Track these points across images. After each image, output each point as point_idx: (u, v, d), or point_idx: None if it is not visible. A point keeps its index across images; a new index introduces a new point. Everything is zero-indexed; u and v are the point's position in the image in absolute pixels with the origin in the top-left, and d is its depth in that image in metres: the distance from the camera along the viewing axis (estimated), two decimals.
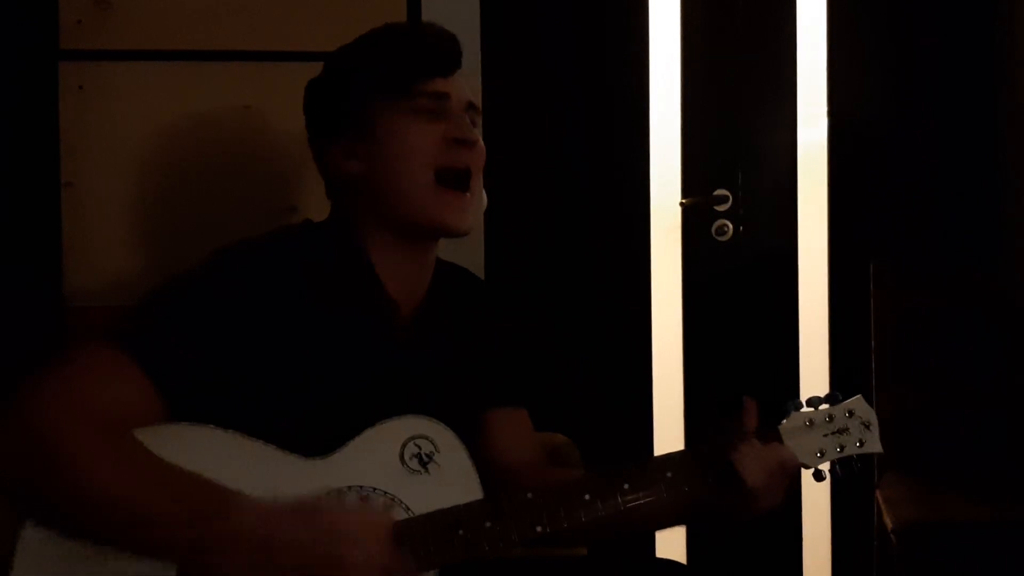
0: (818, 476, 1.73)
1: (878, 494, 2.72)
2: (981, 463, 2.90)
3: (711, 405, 2.95)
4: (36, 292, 2.40)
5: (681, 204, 2.97)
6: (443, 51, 1.76)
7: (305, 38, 2.43)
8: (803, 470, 1.72)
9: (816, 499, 3.04)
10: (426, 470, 1.61)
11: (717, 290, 2.99)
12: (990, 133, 3.01)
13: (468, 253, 2.45)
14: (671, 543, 2.95)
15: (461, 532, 1.57)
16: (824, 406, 1.73)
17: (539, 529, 1.60)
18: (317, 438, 1.59)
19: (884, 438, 2.74)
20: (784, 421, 1.71)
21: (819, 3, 2.99)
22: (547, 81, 2.90)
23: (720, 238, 2.97)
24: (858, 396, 1.75)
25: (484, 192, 2.65)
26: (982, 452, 2.92)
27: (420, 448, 1.61)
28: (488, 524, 1.58)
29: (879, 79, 3.02)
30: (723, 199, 2.96)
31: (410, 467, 1.61)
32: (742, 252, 2.98)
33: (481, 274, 2.60)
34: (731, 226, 2.97)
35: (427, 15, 2.52)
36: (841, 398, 1.74)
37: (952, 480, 2.75)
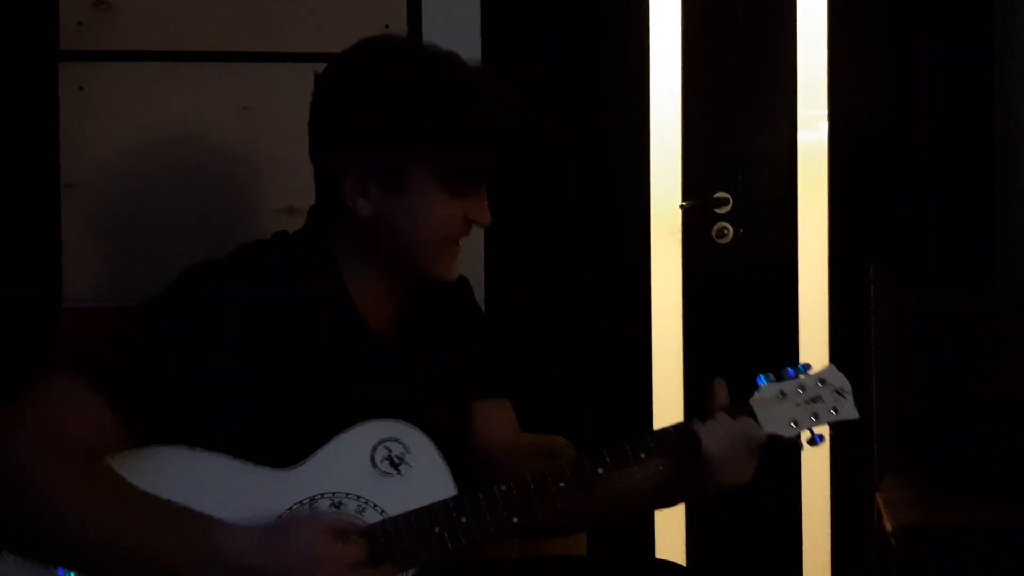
0: (795, 446, 1.73)
1: (878, 497, 2.71)
2: (980, 466, 2.90)
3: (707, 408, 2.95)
4: (36, 292, 2.41)
5: (681, 206, 2.97)
6: (509, 141, 1.68)
7: (305, 39, 2.44)
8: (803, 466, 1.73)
9: (816, 501, 3.03)
10: (398, 471, 1.61)
11: (717, 293, 2.99)
12: (989, 135, 3.01)
13: (468, 255, 2.44)
14: (671, 544, 2.95)
15: (438, 530, 1.58)
16: (798, 377, 1.75)
17: (516, 520, 1.61)
18: (288, 449, 1.59)
19: (884, 441, 2.76)
20: (755, 394, 1.72)
21: (819, 5, 2.98)
22: (547, 82, 2.90)
23: (720, 241, 2.97)
24: (830, 365, 1.77)
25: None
26: (981, 455, 2.92)
27: (390, 450, 1.61)
28: (464, 520, 1.59)
29: (879, 81, 3.02)
30: (723, 201, 2.96)
31: (381, 470, 1.61)
32: (742, 255, 2.98)
33: (480, 276, 2.61)
34: (731, 229, 2.97)
35: (427, 15, 2.52)
36: (811, 368, 1.76)
37: (952, 483, 2.75)
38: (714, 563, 2.94)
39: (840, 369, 1.79)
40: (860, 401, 1.77)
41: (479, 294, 1.95)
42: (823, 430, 1.74)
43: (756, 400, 1.72)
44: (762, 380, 1.74)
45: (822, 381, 1.75)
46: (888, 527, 2.56)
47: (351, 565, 1.51)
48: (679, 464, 1.68)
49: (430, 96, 1.63)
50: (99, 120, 2.42)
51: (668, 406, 3.00)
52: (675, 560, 2.09)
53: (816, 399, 1.73)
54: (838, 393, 1.74)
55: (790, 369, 1.76)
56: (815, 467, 2.99)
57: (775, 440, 1.71)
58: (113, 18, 2.42)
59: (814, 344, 3.02)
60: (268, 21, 2.46)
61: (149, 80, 2.44)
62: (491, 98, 1.66)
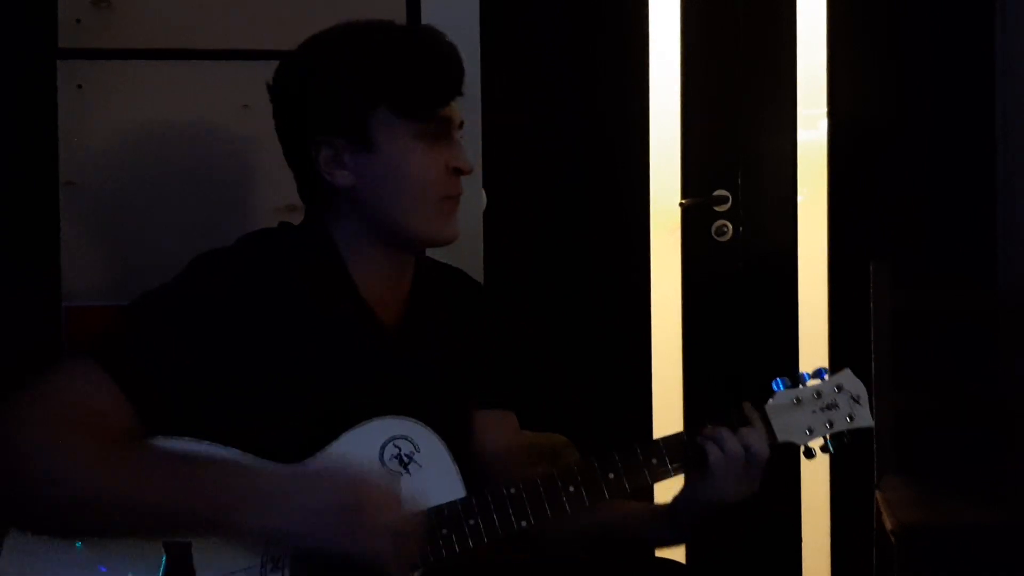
0: (808, 454, 1.72)
1: (878, 495, 2.71)
2: (980, 465, 2.89)
3: (710, 406, 2.95)
4: (35, 291, 2.40)
5: (681, 205, 2.97)
6: (458, 75, 1.70)
7: (305, 37, 2.42)
8: (804, 458, 1.72)
9: (816, 500, 3.03)
10: (407, 470, 1.59)
11: (717, 291, 2.99)
12: (990, 133, 3.00)
13: (467, 253, 2.45)
14: None
15: (445, 531, 1.57)
16: (812, 382, 1.72)
17: (524, 524, 1.59)
18: (296, 444, 1.58)
19: (884, 440, 2.76)
20: (770, 400, 1.70)
21: (819, 4, 2.98)
22: (547, 81, 2.90)
23: (720, 239, 2.97)
24: (846, 370, 1.73)
25: (483, 192, 2.65)
26: (981, 454, 2.92)
27: (400, 449, 1.60)
28: (472, 522, 1.58)
29: (879, 80, 3.01)
30: (723, 200, 2.96)
31: (390, 468, 1.59)
32: (742, 253, 2.98)
33: (480, 274, 2.60)
34: (731, 227, 2.96)
35: (427, 13, 2.51)
36: (828, 373, 1.73)
37: (952, 482, 2.75)
38: (714, 562, 2.94)
39: (840, 367, 1.77)
40: None
41: (484, 292, 1.93)
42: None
43: (771, 407, 1.69)
44: (778, 385, 1.70)
45: (838, 387, 1.71)
46: (888, 526, 2.56)
47: (391, 505, 1.49)
48: (685, 473, 1.67)
49: (376, 50, 1.66)
50: (98, 118, 2.42)
51: (667, 404, 2.99)
52: (674, 558, 2.08)
53: (832, 406, 1.70)
54: (854, 400, 1.71)
55: (805, 374, 1.73)
56: (815, 465, 2.98)
57: (788, 447, 1.69)
58: (112, 16, 2.42)
59: (814, 342, 3.02)
60: (268, 19, 2.45)
61: (148, 78, 2.43)
62: (434, 43, 1.69)
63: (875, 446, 2.78)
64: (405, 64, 1.66)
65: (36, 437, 1.47)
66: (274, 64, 2.46)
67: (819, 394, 1.71)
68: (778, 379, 1.71)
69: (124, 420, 1.52)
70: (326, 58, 1.68)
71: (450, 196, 1.69)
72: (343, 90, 1.66)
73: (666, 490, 1.77)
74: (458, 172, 1.69)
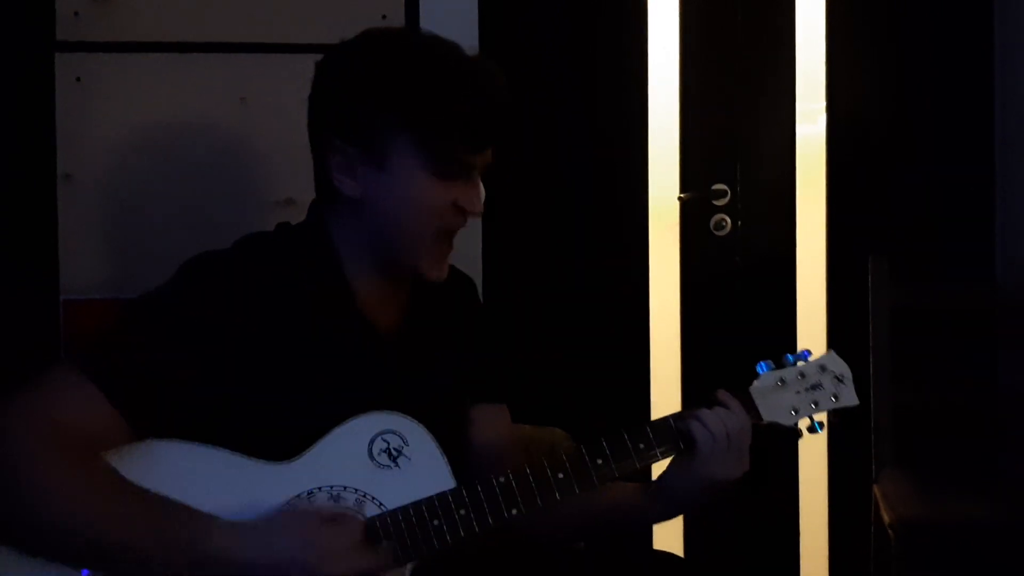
0: (796, 435, 1.73)
1: (876, 490, 2.71)
2: (978, 460, 2.90)
3: (708, 400, 2.94)
4: (33, 285, 2.40)
5: (679, 199, 2.97)
6: (497, 128, 1.65)
7: (302, 31, 2.43)
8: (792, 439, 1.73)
9: (814, 493, 3.03)
10: (396, 464, 1.60)
11: (715, 285, 2.99)
12: (988, 129, 3.01)
13: (466, 248, 2.44)
14: (668, 536, 2.95)
15: (436, 522, 1.57)
16: (798, 363, 1.73)
17: (515, 512, 1.59)
18: (285, 443, 1.58)
19: (882, 435, 2.76)
20: (755, 382, 1.72)
21: None
22: (546, 77, 2.90)
23: (718, 233, 2.97)
24: (830, 351, 1.76)
25: (481, 184, 2.65)
26: (979, 449, 2.92)
27: (388, 443, 1.60)
28: (463, 512, 1.58)
29: (878, 74, 3.01)
30: (721, 194, 2.96)
31: (379, 462, 1.60)
32: (740, 247, 2.98)
33: (479, 269, 2.60)
34: (729, 221, 2.96)
35: (425, 7, 2.51)
36: (811, 355, 1.75)
37: (949, 477, 2.75)
38: (711, 554, 2.94)
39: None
40: (858, 394, 1.76)
41: (477, 287, 1.93)
42: (822, 417, 1.73)
43: (755, 388, 1.71)
44: (762, 367, 1.73)
45: (822, 368, 1.74)
46: (886, 520, 2.56)
47: (345, 548, 1.50)
48: (674, 456, 1.68)
49: (413, 73, 1.61)
50: (96, 111, 2.42)
51: (666, 398, 2.99)
52: (672, 551, 2.09)
53: (816, 386, 1.72)
54: (838, 379, 1.74)
55: (789, 355, 1.74)
56: (813, 460, 2.99)
57: (774, 428, 1.71)
58: (110, 9, 2.42)
59: (812, 337, 3.01)
60: (266, 12, 2.45)
61: (146, 71, 2.43)
62: (477, 84, 1.63)
63: (873, 440, 2.78)
64: (444, 104, 1.61)
65: (19, 449, 1.46)
66: (272, 57, 2.48)
67: (803, 375, 1.73)
68: (762, 362, 1.73)
69: (108, 429, 1.52)
70: (369, 65, 1.63)
71: (447, 230, 1.67)
72: (372, 106, 1.62)
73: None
74: (463, 212, 1.67)
